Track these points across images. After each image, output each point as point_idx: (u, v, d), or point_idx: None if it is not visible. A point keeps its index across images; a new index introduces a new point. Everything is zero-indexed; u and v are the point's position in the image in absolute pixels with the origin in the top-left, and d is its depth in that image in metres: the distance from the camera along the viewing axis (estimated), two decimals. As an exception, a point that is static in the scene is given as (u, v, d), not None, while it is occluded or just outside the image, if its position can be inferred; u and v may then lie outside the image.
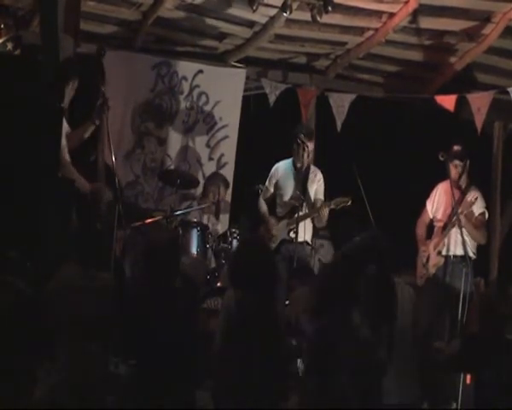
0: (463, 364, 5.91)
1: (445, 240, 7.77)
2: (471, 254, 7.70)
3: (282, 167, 8.26)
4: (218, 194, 8.58)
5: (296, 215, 7.83)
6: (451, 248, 7.76)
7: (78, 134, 6.96)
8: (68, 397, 5.37)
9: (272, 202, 8.33)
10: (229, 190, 9.10)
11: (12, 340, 5.44)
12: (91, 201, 6.79)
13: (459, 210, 7.66)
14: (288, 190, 8.08)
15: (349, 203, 7.91)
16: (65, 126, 6.80)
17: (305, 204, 7.98)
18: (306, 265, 7.88)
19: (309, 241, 8.08)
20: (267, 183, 8.32)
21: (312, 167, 8.20)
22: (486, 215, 7.93)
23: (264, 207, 8.30)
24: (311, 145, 8.10)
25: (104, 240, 6.68)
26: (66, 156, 6.88)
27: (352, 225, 8.30)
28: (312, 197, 8.08)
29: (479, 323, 5.99)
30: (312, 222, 8.11)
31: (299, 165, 8.08)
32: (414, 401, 6.02)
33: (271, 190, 8.27)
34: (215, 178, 8.78)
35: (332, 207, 7.93)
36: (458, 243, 7.69)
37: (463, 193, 7.81)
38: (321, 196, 8.14)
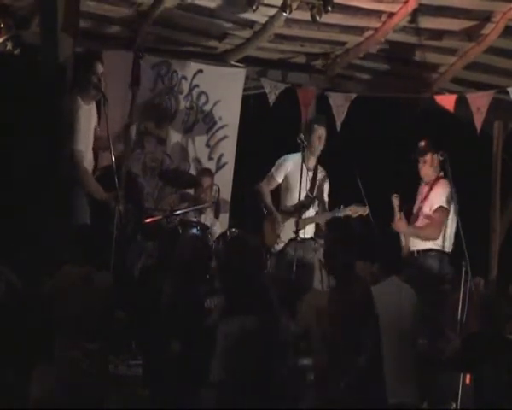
0: (463, 363, 5.91)
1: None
2: (436, 247, 7.63)
3: (293, 162, 8.19)
4: (204, 186, 8.53)
5: (306, 215, 7.86)
6: (416, 243, 7.74)
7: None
8: (68, 396, 5.37)
9: (275, 191, 8.30)
10: (229, 189, 9.12)
11: (8, 335, 5.46)
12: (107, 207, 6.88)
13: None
14: (299, 188, 8.06)
15: (366, 213, 7.89)
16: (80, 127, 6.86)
17: (315, 203, 8.06)
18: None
19: (313, 236, 8.12)
20: (274, 171, 8.25)
21: (319, 167, 8.24)
22: (444, 212, 7.64)
23: (268, 198, 8.21)
24: (323, 131, 8.16)
25: (118, 245, 6.72)
26: (83, 163, 6.92)
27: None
28: (325, 198, 8.15)
29: (478, 322, 6.00)
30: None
31: (310, 164, 8.10)
32: (414, 401, 6.00)
33: (279, 180, 8.22)
34: (199, 174, 8.77)
35: (348, 213, 7.90)
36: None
37: (430, 188, 7.79)
38: (326, 197, 8.23)
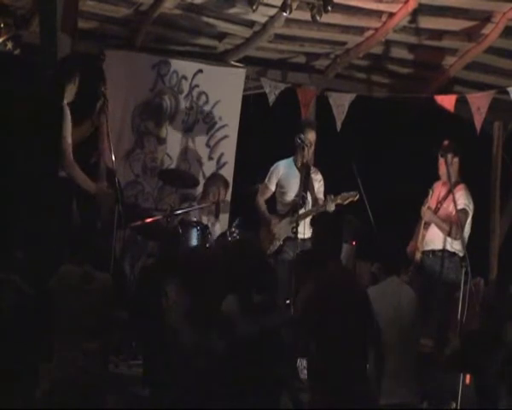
0: (463, 363, 5.90)
1: (426, 235, 7.81)
2: (450, 249, 7.70)
3: (284, 166, 8.29)
4: (218, 195, 8.56)
5: (299, 212, 7.86)
6: (429, 242, 7.78)
7: (78, 132, 7.00)
8: (68, 396, 5.38)
9: (271, 200, 8.34)
10: (229, 190, 9.11)
11: (12, 338, 5.46)
12: (95, 200, 6.84)
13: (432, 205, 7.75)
14: (292, 189, 8.11)
15: (356, 198, 7.95)
16: (68, 123, 6.82)
17: (308, 202, 8.04)
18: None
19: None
20: (267, 181, 8.34)
21: (313, 168, 8.30)
22: (467, 214, 7.79)
23: (263, 206, 8.32)
24: (313, 135, 8.15)
25: (104, 239, 6.70)
26: (71, 156, 6.91)
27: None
28: (316, 195, 8.16)
29: (478, 322, 6.00)
30: None
31: (300, 164, 8.11)
32: (414, 401, 6.00)
33: (272, 188, 8.30)
34: (215, 179, 8.76)
35: (339, 202, 7.96)
36: (436, 236, 7.75)
37: (449, 190, 7.81)
38: (321, 196, 8.22)
